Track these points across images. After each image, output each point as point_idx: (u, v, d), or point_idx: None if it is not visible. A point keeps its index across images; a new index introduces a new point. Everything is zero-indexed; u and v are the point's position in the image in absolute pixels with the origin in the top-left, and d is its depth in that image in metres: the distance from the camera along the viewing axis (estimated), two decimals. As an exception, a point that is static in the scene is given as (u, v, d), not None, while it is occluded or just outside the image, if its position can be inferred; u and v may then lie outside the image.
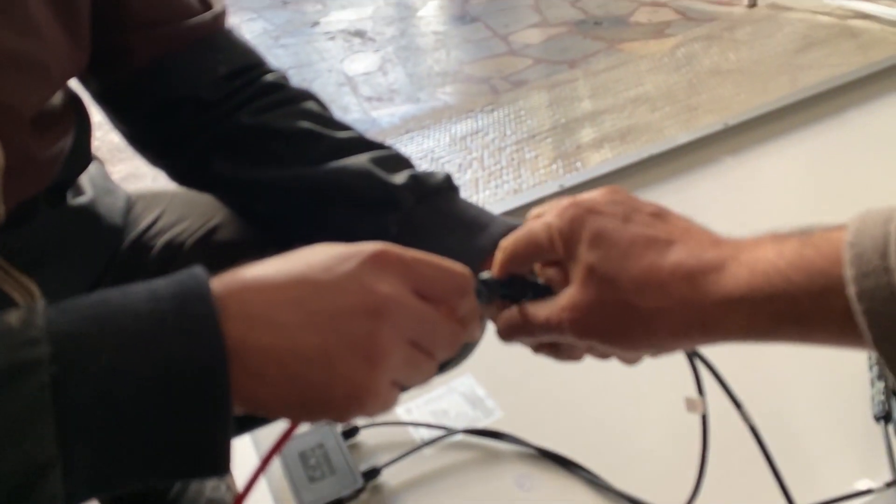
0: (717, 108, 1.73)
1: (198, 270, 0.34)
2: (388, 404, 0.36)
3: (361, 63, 2.41)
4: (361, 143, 0.57)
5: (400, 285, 0.36)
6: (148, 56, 0.54)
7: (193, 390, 0.31)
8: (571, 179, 1.33)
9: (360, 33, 2.65)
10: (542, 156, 1.65)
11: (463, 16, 2.68)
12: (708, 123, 1.42)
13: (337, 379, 0.34)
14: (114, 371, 0.30)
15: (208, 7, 0.56)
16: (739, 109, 1.44)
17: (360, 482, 0.72)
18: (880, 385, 0.75)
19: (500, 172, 1.62)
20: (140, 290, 0.33)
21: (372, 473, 0.74)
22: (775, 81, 1.82)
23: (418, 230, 0.53)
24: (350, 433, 0.79)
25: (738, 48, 2.07)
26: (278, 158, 0.56)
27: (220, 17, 0.57)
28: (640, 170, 1.38)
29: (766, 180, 1.29)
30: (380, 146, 0.58)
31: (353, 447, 0.79)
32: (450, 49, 2.43)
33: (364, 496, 0.73)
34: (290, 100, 0.59)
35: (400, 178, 0.54)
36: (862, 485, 0.66)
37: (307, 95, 0.61)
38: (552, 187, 1.30)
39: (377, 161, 0.55)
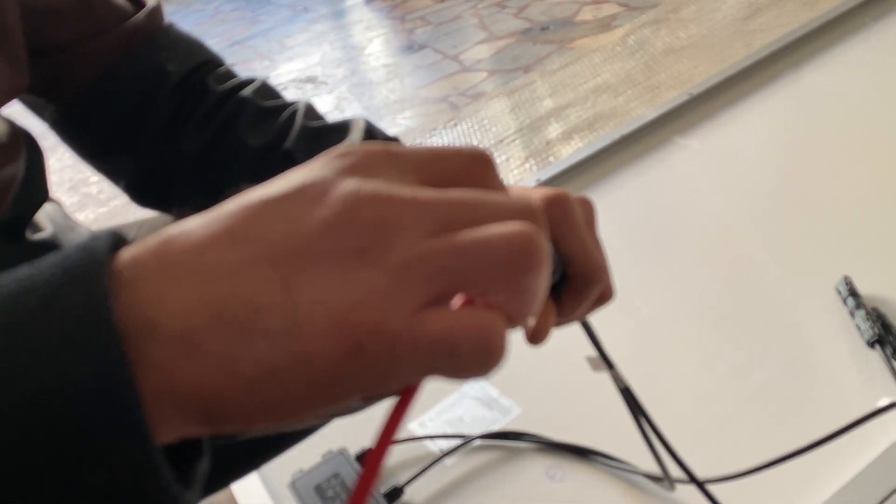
0: (678, 84, 1.72)
1: (97, 238, 0.21)
2: (441, 357, 0.21)
3: (317, 106, 2.39)
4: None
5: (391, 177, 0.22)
6: (88, 73, 0.52)
7: (79, 424, 0.19)
8: (546, 173, 1.31)
9: (311, 79, 2.64)
10: (513, 157, 1.63)
11: (410, 45, 2.68)
12: (673, 97, 1.41)
13: (306, 321, 0.20)
14: None
15: (141, 6, 0.54)
16: (700, 80, 1.44)
17: (382, 504, 0.67)
18: (862, 313, 0.75)
19: (473, 182, 1.59)
20: (17, 274, 0.20)
21: (394, 494, 0.69)
22: (730, 49, 1.82)
23: None
24: (364, 457, 0.74)
25: (687, 26, 2.07)
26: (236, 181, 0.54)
27: (155, 13, 0.54)
28: (613, 152, 1.37)
29: (738, 143, 1.29)
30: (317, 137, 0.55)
31: (370, 471, 0.74)
32: (403, 77, 2.41)
33: (390, 518, 0.67)
34: (230, 116, 0.56)
35: None
36: (883, 402, 0.64)
37: (241, 105, 0.57)
38: (530, 182, 1.28)
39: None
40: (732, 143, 1.27)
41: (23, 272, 0.20)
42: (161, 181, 0.57)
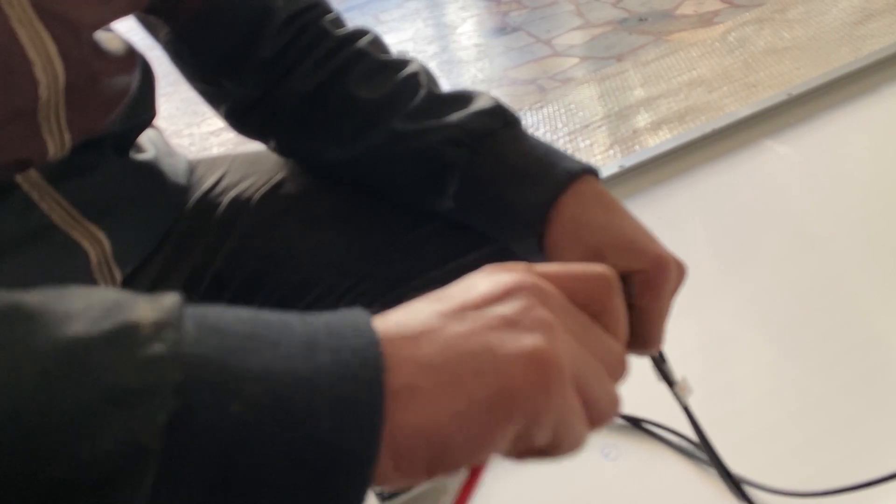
0: (777, 84, 1.65)
1: (361, 320, 0.27)
2: (572, 411, 0.27)
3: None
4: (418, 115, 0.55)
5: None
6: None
7: (331, 473, 0.24)
8: (631, 160, 1.29)
9: (401, 54, 2.66)
10: (598, 143, 1.60)
11: (503, 27, 2.66)
12: (771, 96, 1.36)
13: (505, 358, 0.26)
14: (242, 426, 0.23)
15: None
16: (801, 82, 1.38)
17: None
18: None
19: (554, 164, 1.57)
20: (296, 332, 0.26)
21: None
22: (836, 53, 1.74)
23: (478, 185, 0.52)
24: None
25: (793, 27, 1.99)
26: (337, 135, 0.56)
27: None
28: (701, 147, 1.33)
29: (833, 150, 1.23)
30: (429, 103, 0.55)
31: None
32: (493, 58, 2.40)
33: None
34: (339, 70, 0.57)
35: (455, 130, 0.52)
36: None
37: (357, 56, 0.58)
38: (612, 168, 1.26)
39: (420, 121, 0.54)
40: (827, 150, 1.21)
41: (295, 359, 0.25)
42: (264, 113, 0.58)
